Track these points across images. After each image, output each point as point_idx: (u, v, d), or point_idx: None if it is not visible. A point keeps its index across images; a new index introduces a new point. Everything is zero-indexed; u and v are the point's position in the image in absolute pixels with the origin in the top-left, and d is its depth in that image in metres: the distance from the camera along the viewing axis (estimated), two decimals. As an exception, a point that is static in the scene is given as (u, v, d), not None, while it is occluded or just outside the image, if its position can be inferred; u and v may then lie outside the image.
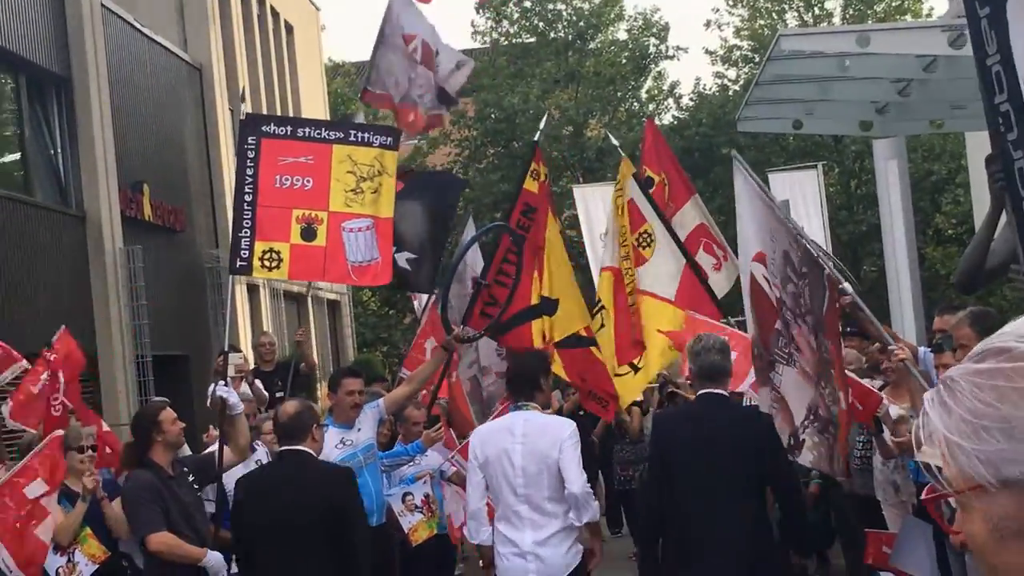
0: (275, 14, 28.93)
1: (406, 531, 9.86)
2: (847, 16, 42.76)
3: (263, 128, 9.66)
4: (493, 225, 11.27)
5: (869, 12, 42.57)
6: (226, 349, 9.49)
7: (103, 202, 19.12)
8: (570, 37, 44.22)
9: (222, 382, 8.59)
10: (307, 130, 9.80)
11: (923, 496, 1.58)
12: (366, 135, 9.81)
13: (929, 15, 41.30)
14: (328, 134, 9.76)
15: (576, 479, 7.65)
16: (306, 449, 7.48)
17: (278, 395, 13.87)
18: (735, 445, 7.49)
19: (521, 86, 41.91)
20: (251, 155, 9.47)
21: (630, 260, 11.43)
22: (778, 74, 16.20)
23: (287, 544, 7.24)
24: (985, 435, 1.46)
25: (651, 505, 7.84)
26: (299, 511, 7.25)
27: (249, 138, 9.51)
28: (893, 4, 42.82)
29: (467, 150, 43.96)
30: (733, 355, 8.34)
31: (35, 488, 7.83)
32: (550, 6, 44.34)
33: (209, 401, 8.71)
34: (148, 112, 21.89)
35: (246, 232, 9.37)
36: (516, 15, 44.73)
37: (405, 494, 9.94)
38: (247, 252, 9.37)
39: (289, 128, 9.74)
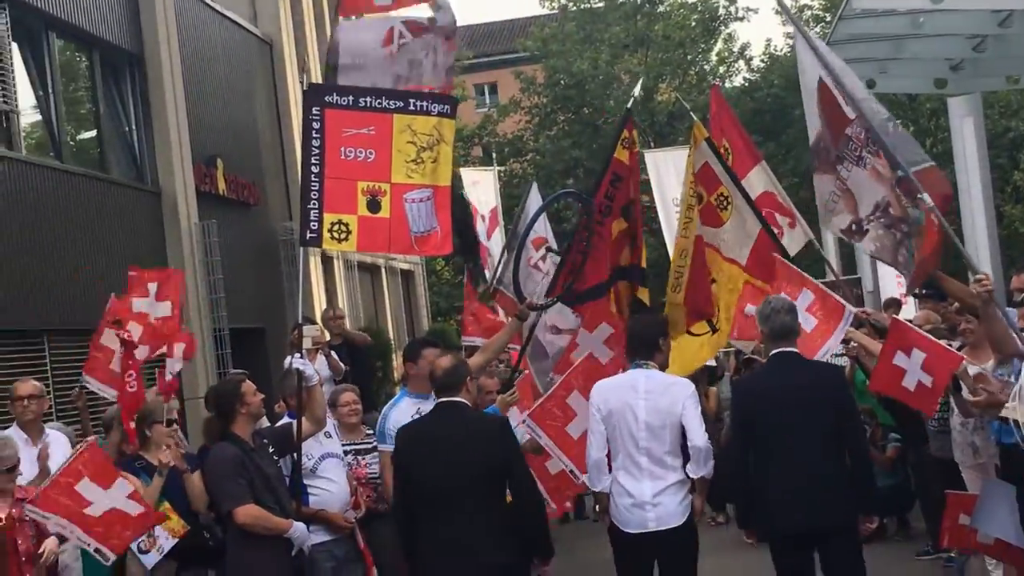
0: (343, -14, 28.95)
1: None
2: (920, -28, 42.18)
3: (326, 98, 9.68)
4: (561, 193, 11.23)
5: (943, -33, 41.97)
6: (300, 321, 9.58)
7: (178, 177, 19.28)
8: (638, 1, 43.95)
9: (297, 354, 8.66)
10: (368, 99, 9.80)
11: None
12: (424, 103, 9.82)
13: (1004, -32, 40.56)
14: (389, 103, 9.77)
15: (700, 434, 8.07)
16: (462, 400, 7.73)
17: (345, 368, 13.91)
18: (812, 400, 7.97)
19: (590, 51, 41.78)
20: (316, 126, 9.52)
21: (691, 227, 11.36)
22: (851, 33, 16.06)
23: (449, 493, 7.41)
24: None
25: (737, 464, 8.30)
26: (459, 461, 7.45)
27: (313, 109, 9.55)
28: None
29: (537, 117, 43.93)
30: (813, 322, 8.60)
31: (85, 486, 7.78)
32: (618, -30, 44.09)
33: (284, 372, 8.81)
34: (220, 87, 22.04)
35: (314, 204, 9.43)
36: (584, -20, 44.55)
37: None
38: (316, 224, 9.43)
39: (351, 98, 9.75)
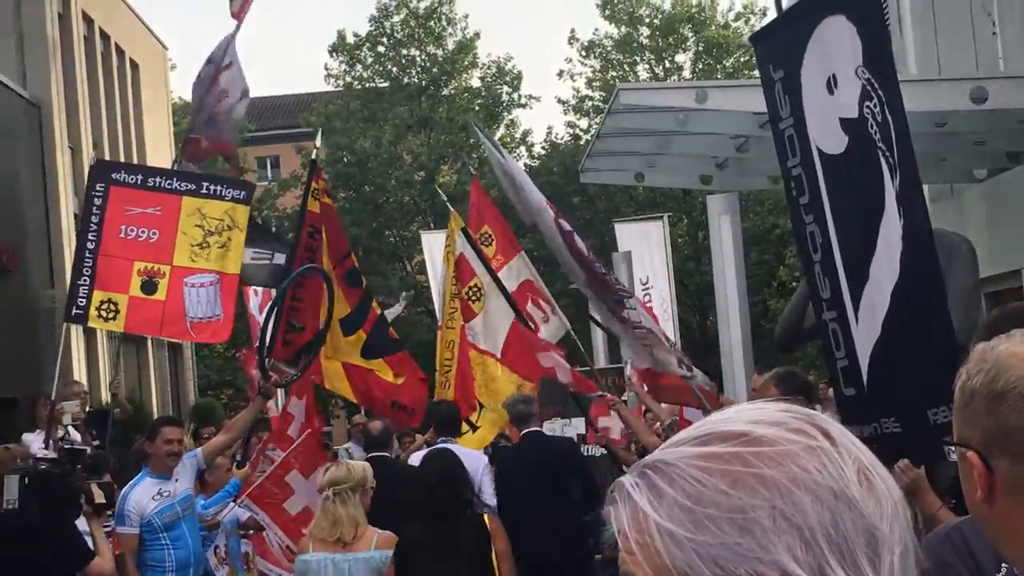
0: (120, 51, 28.47)
1: None
2: (696, 70, 43.47)
3: (113, 175, 9.51)
4: (304, 268, 10.79)
5: (718, 67, 43.32)
6: (52, 397, 9.31)
7: (-71, 239, 18.59)
8: (423, 83, 44.25)
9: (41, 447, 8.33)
10: (158, 180, 9.66)
11: None
12: (218, 188, 9.69)
13: (776, 71, 41.98)
14: (180, 185, 9.62)
15: (491, 495, 10.09)
16: (388, 455, 10.22)
17: (95, 443, 13.40)
18: (554, 467, 10.11)
19: (373, 130, 41.80)
20: (98, 202, 9.34)
21: (456, 318, 11.43)
22: (619, 127, 16.31)
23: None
24: (710, 525, 1.23)
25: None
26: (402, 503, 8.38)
27: (98, 185, 9.38)
28: (742, 60, 43.64)
29: (318, 193, 43.68)
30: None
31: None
32: (404, 52, 44.35)
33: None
34: (-19, 148, 21.37)
35: (85, 280, 9.22)
36: (370, 59, 44.67)
37: (215, 547, 9.71)
38: (84, 300, 9.23)
39: (140, 177, 9.61)
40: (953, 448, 2.13)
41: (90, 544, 8.02)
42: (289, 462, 9.47)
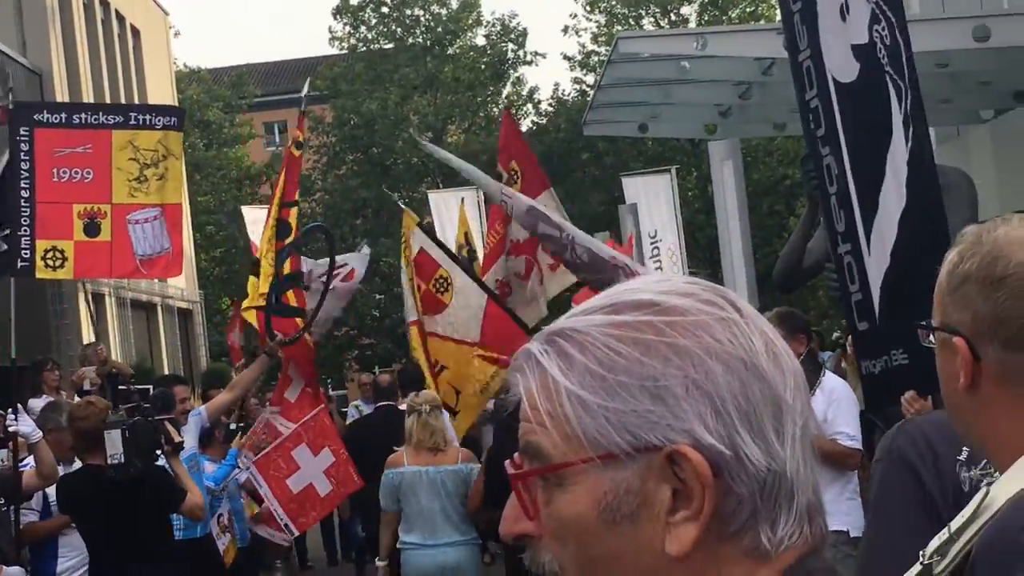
0: (120, 18, 28.36)
1: (220, 553, 9.56)
2: (703, 21, 43.19)
3: (35, 117, 9.33)
4: (309, 227, 10.79)
5: (724, 19, 43.04)
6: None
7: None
8: (428, 43, 44.07)
9: (11, 412, 8.29)
10: (84, 115, 9.48)
11: (510, 471, 1.31)
12: (147, 117, 9.50)
13: (783, 21, 41.70)
14: (107, 118, 9.43)
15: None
16: (395, 404, 11.03)
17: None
18: None
19: (380, 92, 41.67)
20: (25, 148, 9.15)
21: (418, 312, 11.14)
22: (620, 77, 16.15)
23: None
24: (622, 393, 1.22)
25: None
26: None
27: (21, 129, 9.19)
28: (748, 10, 43.37)
29: (325, 156, 43.62)
30: None
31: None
32: (408, 12, 44.15)
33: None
34: (-17, 118, 21.28)
35: (25, 230, 9.07)
36: (374, 20, 44.47)
37: (218, 515, 9.64)
38: (28, 252, 9.09)
39: (64, 115, 9.42)
40: (931, 335, 2.07)
41: None
42: (299, 435, 9.38)
